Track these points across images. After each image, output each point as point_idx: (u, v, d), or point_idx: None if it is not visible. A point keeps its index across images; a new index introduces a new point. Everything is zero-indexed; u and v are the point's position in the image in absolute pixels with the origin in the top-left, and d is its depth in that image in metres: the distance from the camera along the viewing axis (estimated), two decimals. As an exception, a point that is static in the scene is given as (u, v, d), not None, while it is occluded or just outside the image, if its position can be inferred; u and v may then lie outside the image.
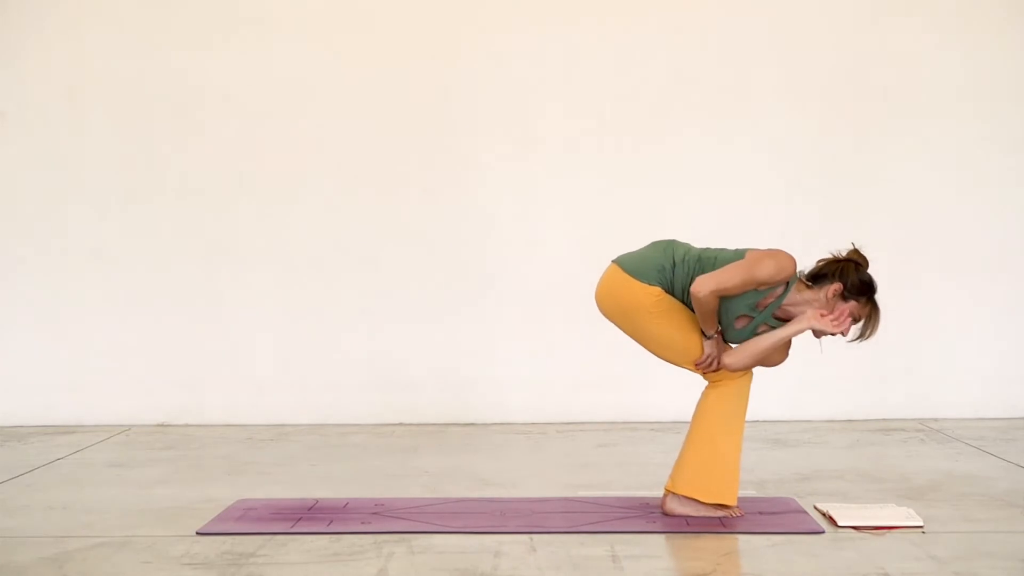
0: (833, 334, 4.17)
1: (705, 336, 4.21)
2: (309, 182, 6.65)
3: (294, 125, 6.65)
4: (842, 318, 4.13)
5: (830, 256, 4.24)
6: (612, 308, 4.31)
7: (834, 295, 4.15)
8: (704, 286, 4.09)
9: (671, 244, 4.32)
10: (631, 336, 4.35)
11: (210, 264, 6.65)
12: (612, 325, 4.39)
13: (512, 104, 6.64)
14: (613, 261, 4.34)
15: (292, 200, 6.65)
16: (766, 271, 4.10)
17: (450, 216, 6.64)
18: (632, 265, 4.28)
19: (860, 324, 4.19)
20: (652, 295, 4.23)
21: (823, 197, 6.59)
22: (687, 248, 4.30)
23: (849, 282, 4.16)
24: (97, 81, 6.63)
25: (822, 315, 4.13)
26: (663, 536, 4.13)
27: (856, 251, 4.24)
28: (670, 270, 4.24)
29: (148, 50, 6.62)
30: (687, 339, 4.26)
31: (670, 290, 4.25)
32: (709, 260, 4.21)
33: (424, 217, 6.63)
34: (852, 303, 4.14)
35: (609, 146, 6.63)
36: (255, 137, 6.64)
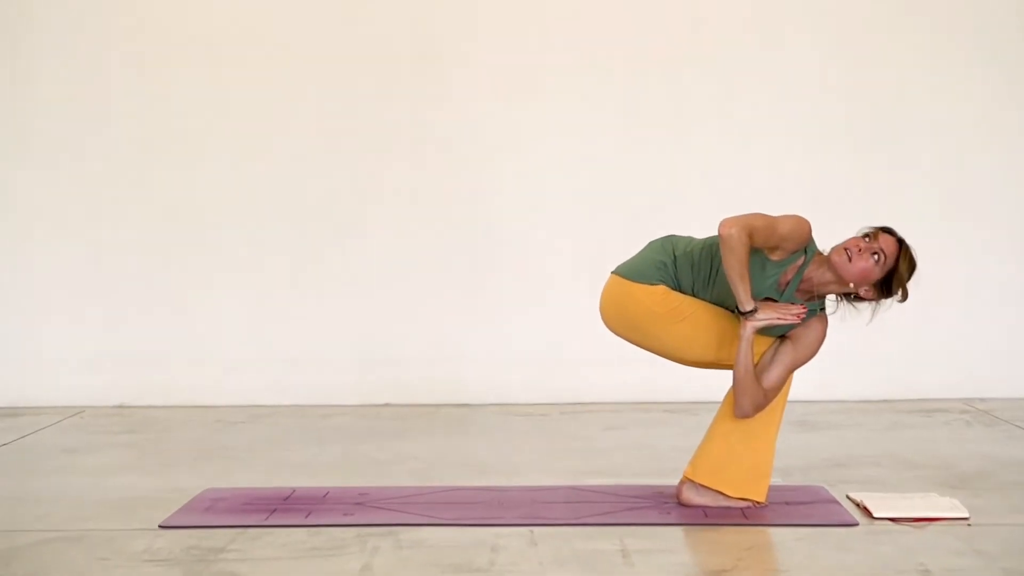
0: (783, 325, 4.13)
1: (744, 314, 4.09)
2: (284, 135, 6.63)
3: (264, 73, 6.62)
4: (786, 309, 4.09)
5: None
6: (618, 321, 4.32)
7: (843, 243, 4.15)
8: (730, 222, 4.03)
9: (669, 239, 4.33)
10: (651, 349, 4.36)
11: (175, 227, 6.64)
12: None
13: (512, 48, 6.61)
14: (612, 272, 4.34)
15: (265, 156, 6.63)
16: (787, 223, 4.09)
17: (442, 173, 6.63)
18: (630, 270, 4.28)
19: (886, 259, 4.13)
20: (656, 294, 4.21)
21: (856, 159, 6.57)
22: (688, 240, 4.31)
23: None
24: (44, 31, 6.58)
25: (767, 308, 4.09)
26: (679, 528, 4.13)
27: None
28: (671, 265, 4.24)
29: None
30: (708, 331, 4.24)
31: (676, 287, 4.24)
32: (712, 250, 4.20)
33: (413, 174, 6.62)
34: (862, 238, 4.13)
35: (619, 98, 6.62)
36: (220, 85, 6.61)
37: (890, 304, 4.20)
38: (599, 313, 4.38)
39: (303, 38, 6.61)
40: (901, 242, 4.15)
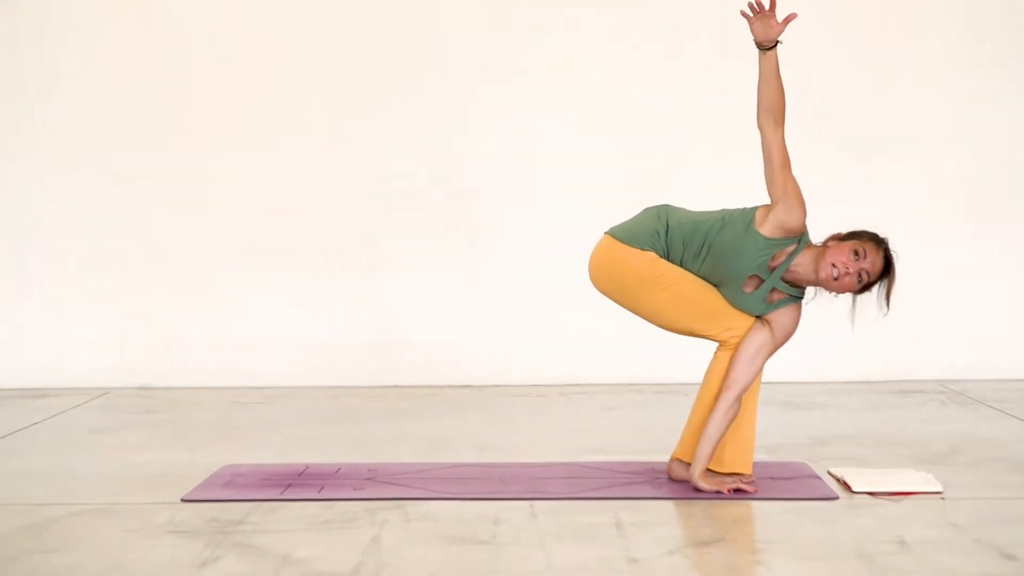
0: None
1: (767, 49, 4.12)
2: (291, 130, 6.62)
3: (268, 71, 6.62)
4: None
5: None
6: (607, 281, 4.31)
7: (833, 239, 4.16)
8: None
9: (664, 208, 4.33)
10: (632, 310, 4.35)
11: (192, 219, 6.64)
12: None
13: (506, 37, 6.59)
14: (605, 232, 4.34)
15: (275, 149, 6.63)
16: (795, 184, 4.12)
17: (443, 165, 6.62)
18: (624, 233, 4.28)
19: (870, 279, 4.14)
20: (646, 260, 4.22)
21: (838, 150, 6.53)
22: (683, 213, 4.30)
23: (851, 229, 4.18)
24: (69, 33, 6.59)
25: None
26: (670, 502, 4.15)
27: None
28: (664, 235, 4.24)
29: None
30: (689, 302, 4.25)
31: (665, 256, 4.25)
32: (705, 225, 4.21)
33: (416, 167, 6.61)
34: (853, 241, 4.13)
35: (614, 85, 6.59)
36: (232, 86, 6.61)
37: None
38: (588, 270, 4.37)
39: (292, 30, 6.59)
40: (888, 261, 4.13)
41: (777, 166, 4.12)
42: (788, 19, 4.13)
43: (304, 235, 6.64)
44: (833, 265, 4.09)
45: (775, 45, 4.13)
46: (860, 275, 4.10)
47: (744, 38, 6.20)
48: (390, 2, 6.60)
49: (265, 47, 6.61)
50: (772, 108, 4.13)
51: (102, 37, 6.59)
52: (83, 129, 6.63)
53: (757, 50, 4.14)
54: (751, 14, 4.15)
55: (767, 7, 4.13)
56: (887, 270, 4.13)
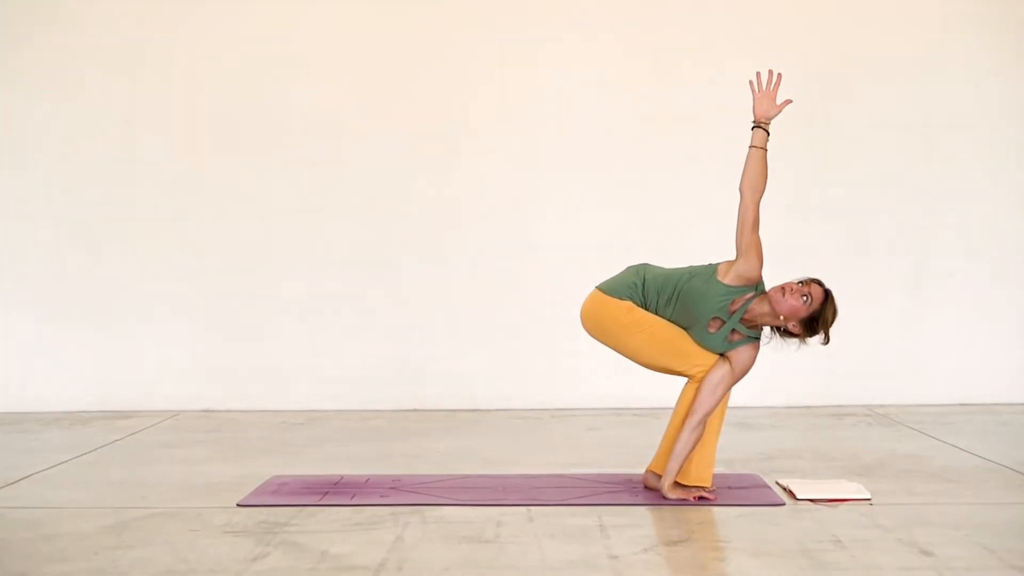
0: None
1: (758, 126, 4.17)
2: (335, 201, 6.63)
3: (324, 152, 6.62)
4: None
5: None
6: (593, 325, 4.32)
7: (782, 283, 4.16)
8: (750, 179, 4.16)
9: (643, 266, 4.36)
10: (616, 350, 4.34)
11: (251, 272, 6.63)
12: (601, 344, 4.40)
13: (512, 118, 6.60)
14: (596, 287, 4.35)
15: (321, 216, 6.63)
16: (759, 246, 4.12)
17: (462, 231, 6.61)
18: (608, 287, 4.31)
19: (813, 311, 4.12)
20: (624, 308, 4.23)
21: (783, 192, 6.49)
22: (658, 268, 4.34)
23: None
24: (149, 112, 6.62)
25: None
26: (645, 508, 4.13)
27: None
28: (640, 287, 4.26)
29: (195, 82, 6.63)
30: (661, 342, 4.24)
31: (642, 304, 4.26)
32: (675, 276, 4.24)
33: (437, 232, 6.62)
34: (797, 282, 4.13)
35: (608, 151, 6.58)
36: (287, 161, 6.63)
37: (815, 343, 4.19)
38: (580, 319, 4.37)
39: (351, 127, 6.62)
40: (827, 292, 4.15)
41: (748, 226, 4.12)
42: (784, 103, 4.18)
43: (342, 288, 6.63)
44: (781, 288, 4.12)
45: (768, 124, 4.15)
46: (804, 297, 4.09)
47: (722, 132, 6.32)
48: (423, 92, 6.59)
49: (310, 132, 6.63)
50: (755, 177, 4.13)
51: (179, 129, 6.63)
52: (156, 194, 6.61)
53: (752, 128, 4.16)
54: (756, 88, 4.17)
55: (771, 85, 4.16)
56: (826, 300, 4.12)
